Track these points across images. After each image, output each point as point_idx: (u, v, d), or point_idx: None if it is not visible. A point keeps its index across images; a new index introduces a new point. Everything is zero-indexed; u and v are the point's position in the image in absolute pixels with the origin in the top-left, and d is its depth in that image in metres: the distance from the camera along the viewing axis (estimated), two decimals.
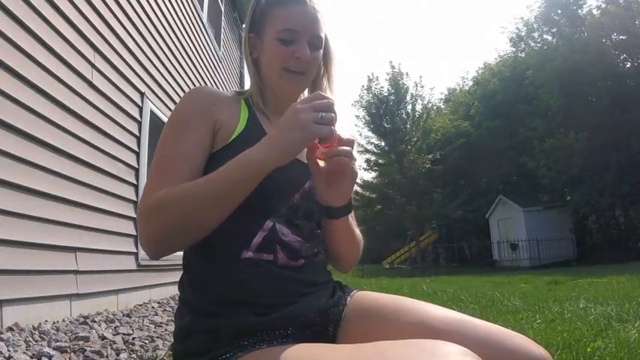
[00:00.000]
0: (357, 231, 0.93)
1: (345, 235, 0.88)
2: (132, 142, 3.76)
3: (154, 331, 2.64)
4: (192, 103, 0.86)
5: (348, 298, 0.86)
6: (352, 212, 0.90)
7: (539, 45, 21.15)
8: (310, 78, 0.89)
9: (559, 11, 19.62)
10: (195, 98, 0.86)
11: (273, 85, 0.89)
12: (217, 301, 0.74)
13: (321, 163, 0.76)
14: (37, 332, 2.10)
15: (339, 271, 0.97)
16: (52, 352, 1.80)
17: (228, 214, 0.73)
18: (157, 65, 4.37)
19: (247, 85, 0.99)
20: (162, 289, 4.26)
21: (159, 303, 3.84)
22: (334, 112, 0.70)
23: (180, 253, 0.87)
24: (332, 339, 0.81)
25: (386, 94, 20.17)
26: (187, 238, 0.76)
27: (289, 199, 0.82)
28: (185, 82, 5.28)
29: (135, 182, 3.78)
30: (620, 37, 16.33)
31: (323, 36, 0.88)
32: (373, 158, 21.52)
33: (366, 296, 0.87)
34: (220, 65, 7.38)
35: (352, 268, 0.99)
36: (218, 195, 0.71)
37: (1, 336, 1.86)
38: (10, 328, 2.04)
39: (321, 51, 0.89)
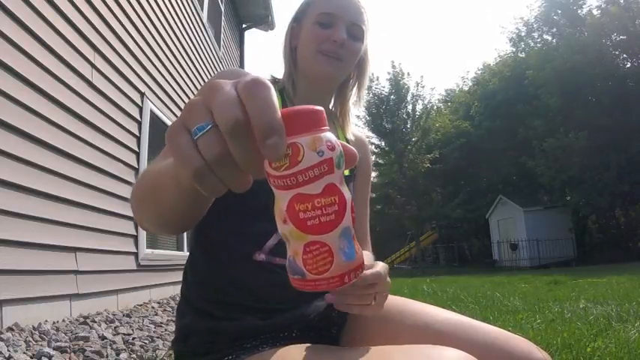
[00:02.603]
0: (368, 257, 0.85)
1: None
2: (132, 142, 3.76)
3: (154, 331, 2.64)
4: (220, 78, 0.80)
5: None
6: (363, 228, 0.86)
7: (539, 45, 21.15)
8: (347, 67, 0.86)
9: (559, 11, 19.63)
10: (223, 75, 0.80)
11: (307, 70, 0.86)
12: (221, 302, 0.73)
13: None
14: (37, 332, 2.10)
15: None
16: (52, 352, 1.80)
17: (169, 211, 0.53)
18: (156, 65, 4.37)
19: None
20: (162, 289, 4.26)
21: (159, 303, 3.83)
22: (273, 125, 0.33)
23: (179, 253, 0.86)
24: (336, 341, 0.80)
25: (386, 93, 20.17)
26: (144, 219, 0.61)
27: None
28: (185, 82, 5.28)
29: (134, 182, 3.77)
30: (620, 37, 16.33)
31: (364, 28, 0.86)
32: (373, 158, 21.50)
33: None
34: (220, 65, 7.37)
35: None
36: (146, 192, 0.56)
37: (1, 336, 1.86)
38: (10, 328, 2.04)
39: (361, 44, 0.86)
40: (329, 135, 0.35)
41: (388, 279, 0.68)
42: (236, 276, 0.73)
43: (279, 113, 0.32)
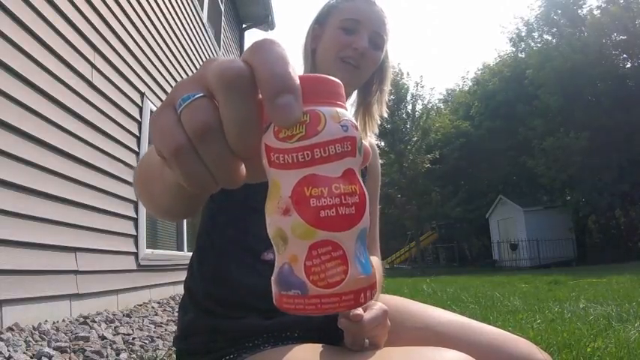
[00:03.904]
0: (377, 262, 0.84)
1: None
2: (132, 142, 3.76)
3: (154, 331, 2.64)
4: None
5: None
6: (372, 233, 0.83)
7: (539, 45, 21.15)
8: (365, 75, 0.87)
9: (559, 11, 19.64)
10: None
11: (324, 74, 0.85)
12: (226, 301, 0.73)
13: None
14: (37, 332, 2.10)
15: None
16: (52, 352, 1.80)
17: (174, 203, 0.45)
18: (156, 65, 4.37)
19: None
20: (163, 289, 4.26)
21: (159, 303, 3.83)
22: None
23: (179, 253, 0.86)
24: (338, 341, 0.81)
25: None
26: (146, 203, 0.54)
27: None
28: None
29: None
30: (621, 37, 16.33)
31: (385, 38, 0.86)
32: None
33: None
34: None
35: None
36: (141, 183, 0.51)
37: (1, 336, 1.86)
38: (10, 328, 2.04)
39: (381, 54, 0.87)
40: (350, 114, 0.28)
41: (388, 322, 0.64)
42: (243, 274, 0.73)
43: (295, 70, 0.26)
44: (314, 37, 0.89)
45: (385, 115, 0.96)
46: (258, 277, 0.72)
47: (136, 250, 3.70)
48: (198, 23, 5.97)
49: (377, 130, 0.96)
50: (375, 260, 0.83)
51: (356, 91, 0.94)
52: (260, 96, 0.25)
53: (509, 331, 0.73)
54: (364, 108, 0.93)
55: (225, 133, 0.25)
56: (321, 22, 0.89)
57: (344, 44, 0.83)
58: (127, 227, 3.59)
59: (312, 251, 0.26)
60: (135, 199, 3.73)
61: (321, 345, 0.68)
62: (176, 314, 0.82)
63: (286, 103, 0.24)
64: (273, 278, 0.29)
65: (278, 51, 0.26)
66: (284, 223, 0.27)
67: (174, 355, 0.79)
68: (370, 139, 0.98)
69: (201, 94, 0.26)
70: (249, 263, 0.73)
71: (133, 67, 3.80)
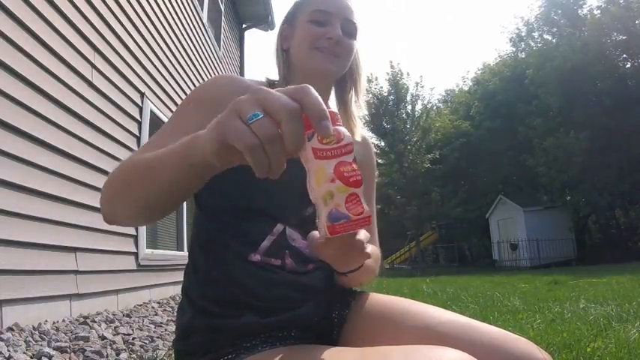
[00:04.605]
0: (375, 252, 0.84)
1: (357, 274, 0.74)
2: (132, 142, 3.76)
3: (153, 331, 2.64)
4: (210, 86, 0.79)
5: (353, 301, 0.85)
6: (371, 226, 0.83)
7: (539, 45, 21.15)
8: (344, 64, 0.84)
9: (559, 11, 19.64)
10: (215, 83, 0.80)
11: (303, 68, 0.84)
12: (221, 300, 0.73)
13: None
14: (37, 332, 2.10)
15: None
16: (52, 352, 1.80)
17: (170, 200, 0.60)
18: (156, 65, 4.37)
19: None
20: (162, 289, 4.26)
21: (159, 303, 3.84)
22: (293, 124, 0.43)
23: (179, 253, 0.86)
24: (335, 341, 0.80)
25: (385, 94, 20.16)
26: (121, 206, 0.65)
27: (301, 211, 0.78)
28: (185, 82, 5.28)
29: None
30: (621, 37, 16.33)
31: (357, 25, 0.85)
32: None
33: (371, 299, 0.86)
34: (220, 65, 7.37)
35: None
36: (138, 176, 0.60)
37: (1, 336, 1.86)
38: (10, 328, 2.04)
39: (355, 42, 0.85)
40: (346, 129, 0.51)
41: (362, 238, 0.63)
42: (234, 274, 0.74)
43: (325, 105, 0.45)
44: (285, 38, 0.87)
45: (364, 108, 0.94)
46: (249, 277, 0.73)
47: (136, 250, 3.70)
48: (198, 23, 5.97)
49: (361, 122, 0.95)
50: (373, 248, 0.84)
51: (333, 89, 0.92)
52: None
53: (509, 331, 0.72)
54: (344, 107, 0.92)
55: (285, 140, 0.43)
56: (290, 21, 0.87)
57: (317, 36, 0.80)
58: (127, 227, 3.59)
59: (347, 199, 0.50)
60: None
61: (318, 345, 0.68)
62: (176, 314, 0.82)
63: (327, 125, 0.44)
64: (324, 218, 0.50)
65: (317, 95, 0.44)
66: (332, 186, 0.48)
67: (174, 355, 0.79)
68: (363, 133, 0.97)
69: (262, 115, 0.42)
70: (239, 265, 0.74)
71: (133, 67, 3.80)
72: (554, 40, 19.84)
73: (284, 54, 0.87)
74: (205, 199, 0.79)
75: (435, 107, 22.30)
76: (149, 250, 3.98)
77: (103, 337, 2.23)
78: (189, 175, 0.53)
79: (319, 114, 0.43)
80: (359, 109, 0.93)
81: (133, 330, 2.56)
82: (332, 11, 0.81)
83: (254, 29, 9.58)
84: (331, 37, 0.80)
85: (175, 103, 4.90)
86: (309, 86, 0.44)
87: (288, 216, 0.77)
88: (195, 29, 5.84)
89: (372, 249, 0.74)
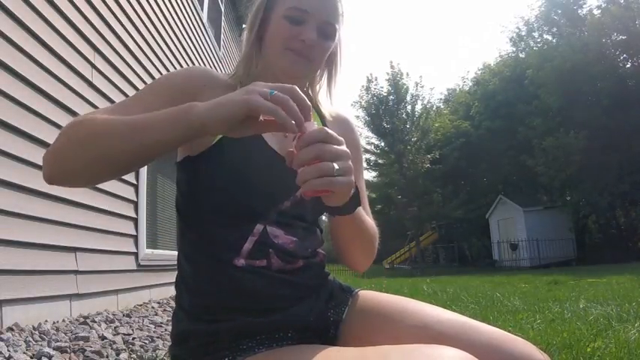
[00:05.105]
0: (371, 222, 0.85)
1: (354, 230, 0.79)
2: None
3: (153, 331, 2.64)
4: (181, 76, 0.79)
5: (350, 299, 0.85)
6: (362, 203, 0.80)
7: (539, 45, 21.17)
8: (316, 67, 0.81)
9: (559, 11, 19.66)
10: (189, 75, 0.80)
11: (273, 65, 0.80)
12: (213, 306, 0.73)
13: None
14: (37, 332, 2.10)
15: (355, 270, 0.91)
16: (52, 352, 1.80)
17: (138, 161, 0.65)
18: (156, 65, 4.37)
19: None
20: (162, 289, 4.26)
21: (159, 303, 3.84)
22: (305, 110, 0.58)
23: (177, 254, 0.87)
24: (333, 340, 0.80)
25: (385, 94, 20.19)
26: (82, 164, 0.66)
27: (278, 205, 0.76)
28: None
29: (135, 182, 3.78)
30: (621, 37, 16.34)
31: (337, 27, 0.80)
32: (373, 158, 21.61)
33: (369, 297, 0.85)
34: (220, 65, 7.37)
35: (368, 266, 0.89)
36: (133, 130, 0.62)
37: (1, 336, 1.86)
38: (10, 328, 2.04)
39: (332, 43, 0.81)
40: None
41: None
42: (222, 282, 0.73)
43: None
44: (261, 22, 0.82)
45: (333, 94, 0.90)
46: (237, 283, 0.72)
47: (136, 250, 3.70)
48: (198, 23, 5.97)
49: (331, 104, 0.92)
50: (371, 222, 0.85)
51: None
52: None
53: (509, 331, 0.72)
54: (312, 94, 0.90)
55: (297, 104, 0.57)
56: (267, 6, 0.81)
57: (290, 35, 0.76)
58: (127, 227, 3.60)
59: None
60: (135, 199, 3.74)
61: (316, 345, 0.67)
62: (171, 322, 0.82)
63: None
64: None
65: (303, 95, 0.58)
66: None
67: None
68: (342, 113, 0.94)
69: (276, 91, 0.56)
70: (224, 272, 0.73)
71: (133, 67, 3.80)
72: (554, 40, 19.87)
73: (259, 41, 0.84)
74: (185, 209, 0.80)
75: (434, 107, 22.32)
76: (149, 250, 3.98)
77: (103, 337, 2.23)
78: (181, 137, 0.60)
79: (304, 104, 0.58)
80: (330, 94, 0.90)
81: (133, 330, 2.56)
82: (310, 11, 0.76)
83: None
84: (304, 40, 0.76)
85: None
86: (296, 87, 0.58)
87: (267, 213, 0.75)
88: (195, 29, 5.84)
89: (371, 223, 0.84)
